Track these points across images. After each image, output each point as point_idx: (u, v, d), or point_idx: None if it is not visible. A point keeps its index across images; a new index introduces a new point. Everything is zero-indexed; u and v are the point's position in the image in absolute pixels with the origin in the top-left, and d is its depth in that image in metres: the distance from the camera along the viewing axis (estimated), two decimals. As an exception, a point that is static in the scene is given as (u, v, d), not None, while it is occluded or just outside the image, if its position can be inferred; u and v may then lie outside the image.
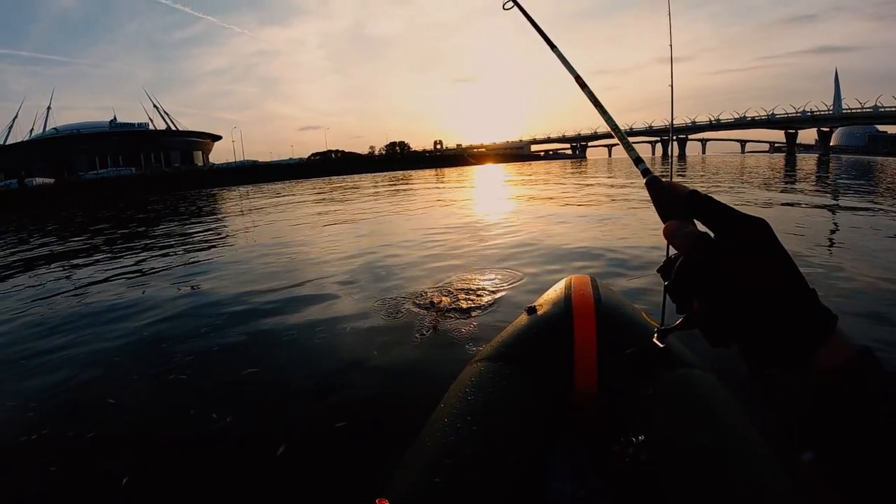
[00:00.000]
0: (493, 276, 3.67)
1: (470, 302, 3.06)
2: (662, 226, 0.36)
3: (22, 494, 1.57)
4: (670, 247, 0.35)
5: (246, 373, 2.31)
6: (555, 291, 1.19)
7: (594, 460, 0.92)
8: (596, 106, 0.44)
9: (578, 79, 0.48)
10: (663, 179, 0.38)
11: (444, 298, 3.15)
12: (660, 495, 0.77)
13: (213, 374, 2.34)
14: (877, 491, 0.27)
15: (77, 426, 1.92)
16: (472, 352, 2.10)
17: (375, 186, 21.31)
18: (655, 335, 0.39)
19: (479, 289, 3.35)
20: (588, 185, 14.79)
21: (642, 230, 5.53)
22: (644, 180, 0.39)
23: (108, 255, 6.60)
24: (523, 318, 1.15)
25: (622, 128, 0.43)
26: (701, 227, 0.35)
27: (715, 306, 0.32)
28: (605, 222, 6.43)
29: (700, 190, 0.36)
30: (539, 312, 1.12)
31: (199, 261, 5.56)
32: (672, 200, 0.37)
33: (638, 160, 0.40)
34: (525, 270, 3.80)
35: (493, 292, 3.25)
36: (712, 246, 0.33)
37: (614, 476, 0.87)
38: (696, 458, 0.79)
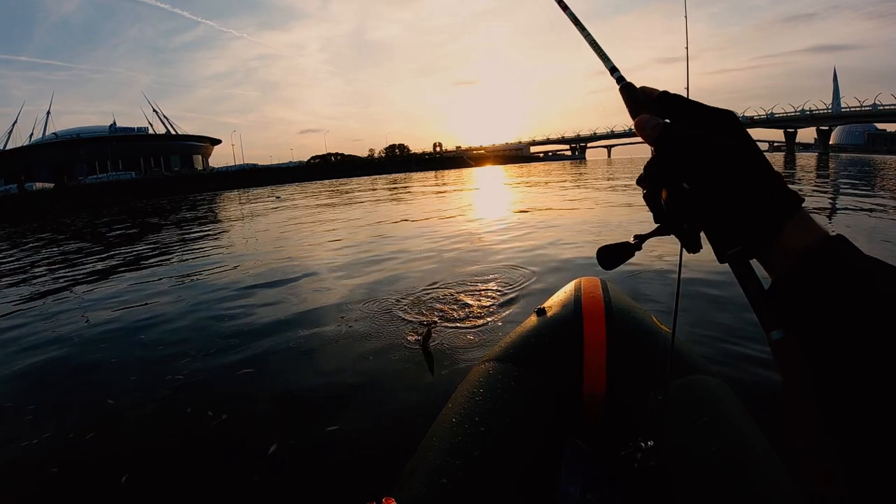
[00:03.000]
0: (500, 278, 3.66)
1: (477, 303, 3.05)
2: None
3: (23, 494, 1.58)
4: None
5: (241, 373, 2.32)
6: (564, 293, 1.18)
7: (602, 464, 0.92)
8: (581, 30, 0.48)
9: (566, 8, 0.51)
10: (636, 85, 0.40)
11: (449, 300, 3.14)
12: (668, 501, 0.76)
13: (209, 374, 2.35)
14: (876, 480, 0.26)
15: (77, 427, 1.93)
16: (480, 353, 2.09)
17: (374, 189, 21.33)
18: (633, 238, 0.39)
19: (486, 291, 3.33)
20: (589, 187, 14.79)
21: (649, 228, 5.52)
22: (619, 86, 0.41)
23: (107, 258, 6.60)
24: (532, 320, 1.15)
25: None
26: None
27: (684, 190, 0.33)
28: (609, 225, 6.43)
29: None
30: (548, 314, 1.12)
31: (195, 264, 5.56)
32: (645, 101, 0.38)
33: (613, 69, 0.43)
34: (532, 272, 3.79)
35: (501, 294, 3.23)
36: (681, 132, 0.34)
37: (622, 480, 0.86)
38: (706, 465, 0.78)
